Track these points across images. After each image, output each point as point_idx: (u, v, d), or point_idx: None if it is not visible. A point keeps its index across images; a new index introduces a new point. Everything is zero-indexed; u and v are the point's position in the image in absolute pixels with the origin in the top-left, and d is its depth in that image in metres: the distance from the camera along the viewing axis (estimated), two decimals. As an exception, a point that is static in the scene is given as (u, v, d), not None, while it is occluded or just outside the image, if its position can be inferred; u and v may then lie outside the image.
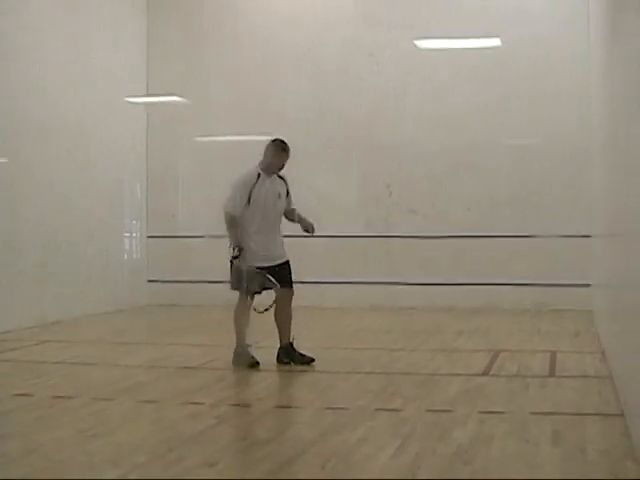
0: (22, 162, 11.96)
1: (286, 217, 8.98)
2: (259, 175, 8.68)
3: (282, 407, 7.15)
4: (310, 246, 14.17)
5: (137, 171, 15.07)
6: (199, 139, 15.10)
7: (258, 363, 8.56)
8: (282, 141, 8.84)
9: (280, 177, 8.89)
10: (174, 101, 15.30)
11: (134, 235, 15.12)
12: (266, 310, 8.68)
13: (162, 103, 15.37)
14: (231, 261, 8.65)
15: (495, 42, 13.96)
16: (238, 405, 7.16)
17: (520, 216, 13.78)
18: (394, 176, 14.30)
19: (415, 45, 14.23)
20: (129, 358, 9.57)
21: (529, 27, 13.81)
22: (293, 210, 8.98)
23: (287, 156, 8.80)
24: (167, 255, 14.98)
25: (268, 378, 8.43)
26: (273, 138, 8.91)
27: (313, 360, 8.72)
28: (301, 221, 8.97)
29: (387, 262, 14.23)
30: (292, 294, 8.85)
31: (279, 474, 5.06)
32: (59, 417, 6.66)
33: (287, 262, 8.85)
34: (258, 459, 5.43)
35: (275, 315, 8.82)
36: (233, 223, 8.61)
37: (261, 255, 8.62)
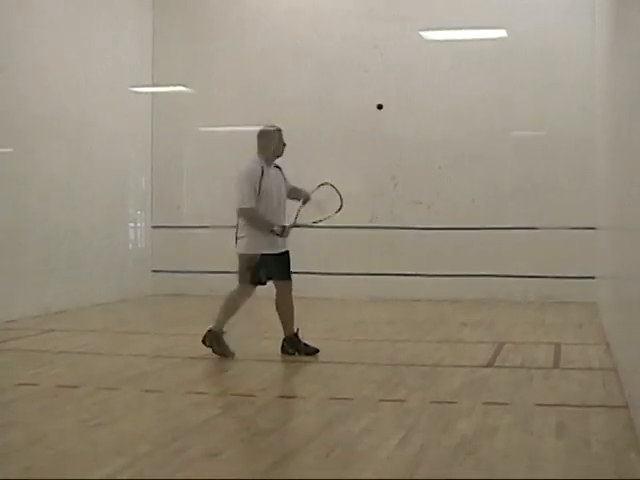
0: (27, 153, 11.94)
1: (293, 198, 9.00)
2: (262, 167, 8.68)
3: (286, 397, 7.17)
4: (314, 237, 14.22)
5: (142, 161, 15.07)
6: (204, 129, 15.09)
7: (233, 354, 8.65)
8: (275, 127, 8.91)
9: (278, 167, 8.91)
10: (179, 91, 15.27)
11: (139, 225, 15.12)
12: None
13: (167, 93, 15.35)
14: (239, 254, 8.70)
15: (500, 33, 13.91)
16: (242, 395, 7.16)
17: (524, 208, 13.76)
18: (399, 168, 14.28)
19: (420, 36, 14.19)
20: (133, 348, 9.57)
21: (533, 18, 13.77)
22: (292, 188, 9.02)
23: (282, 135, 8.89)
24: (171, 245, 14.98)
25: (272, 368, 8.43)
26: (263, 128, 8.93)
27: (317, 350, 8.74)
28: (298, 193, 8.98)
29: (392, 254, 14.22)
30: (291, 285, 8.87)
31: (283, 464, 5.07)
32: (63, 407, 6.67)
33: (288, 252, 8.86)
34: (262, 449, 5.44)
35: (277, 307, 8.86)
36: (254, 215, 8.58)
37: (267, 242, 8.61)
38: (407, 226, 14.15)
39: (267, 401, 6.97)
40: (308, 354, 8.69)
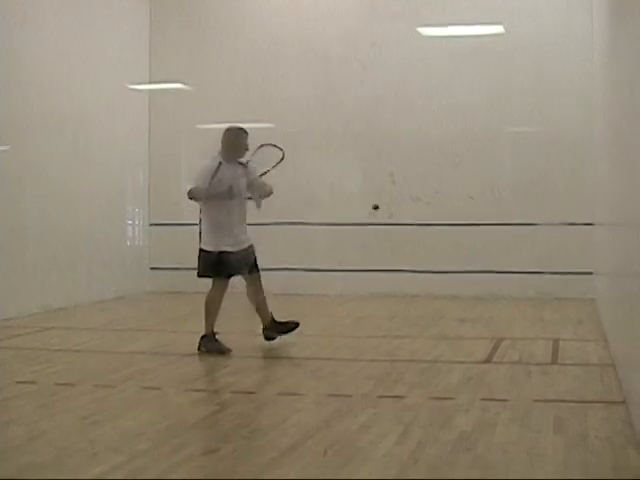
0: (25, 151, 11.93)
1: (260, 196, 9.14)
2: (220, 163, 8.88)
3: (285, 394, 7.15)
4: (313, 234, 14.24)
5: (139, 158, 15.06)
6: (202, 126, 15.07)
7: (229, 350, 8.70)
8: (242, 128, 9.11)
9: (241, 164, 9.05)
10: (177, 88, 15.27)
11: (137, 223, 15.12)
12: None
13: (165, 90, 15.34)
14: (200, 249, 8.85)
15: (497, 29, 13.92)
16: (241, 392, 7.16)
17: (522, 204, 13.76)
18: (397, 165, 14.28)
19: (418, 33, 14.19)
20: (132, 345, 9.58)
21: (531, 14, 13.76)
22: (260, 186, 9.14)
23: (247, 137, 9.06)
24: (170, 242, 14.97)
25: (271, 365, 8.45)
26: (230, 126, 9.14)
27: (298, 323, 8.98)
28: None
29: (390, 250, 14.23)
30: (259, 277, 9.01)
31: (282, 461, 5.07)
32: (62, 404, 6.66)
33: (251, 246, 9.00)
34: (261, 446, 5.45)
35: (250, 300, 9.06)
36: (199, 192, 8.76)
37: (227, 240, 8.78)
38: (405, 222, 14.15)
39: (266, 398, 6.99)
40: (292, 329, 8.98)
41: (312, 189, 14.40)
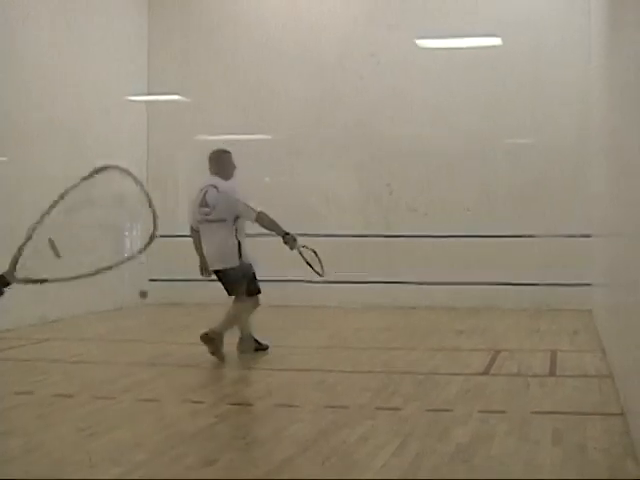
0: (22, 161, 11.93)
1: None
2: None
3: (282, 406, 7.15)
4: (309, 245, 14.21)
5: (137, 170, 14.90)
6: (199, 138, 15.07)
7: (267, 347, 9.13)
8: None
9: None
10: (175, 100, 15.28)
11: (135, 234, 15.08)
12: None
13: (163, 102, 15.35)
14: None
15: (495, 41, 13.93)
16: (238, 404, 7.16)
17: (519, 215, 13.75)
18: (394, 175, 14.28)
19: (415, 44, 14.20)
20: (130, 356, 9.56)
21: (529, 25, 13.76)
22: None
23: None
24: (168, 254, 14.93)
25: (268, 377, 8.43)
26: (219, 150, 9.80)
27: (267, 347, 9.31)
28: None
29: (386, 261, 14.21)
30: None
31: (279, 473, 5.07)
32: (59, 415, 6.67)
33: None
34: (258, 457, 5.44)
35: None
36: (268, 216, 9.03)
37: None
38: (402, 234, 14.14)
39: (263, 409, 6.99)
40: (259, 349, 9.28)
41: (308, 200, 14.40)
